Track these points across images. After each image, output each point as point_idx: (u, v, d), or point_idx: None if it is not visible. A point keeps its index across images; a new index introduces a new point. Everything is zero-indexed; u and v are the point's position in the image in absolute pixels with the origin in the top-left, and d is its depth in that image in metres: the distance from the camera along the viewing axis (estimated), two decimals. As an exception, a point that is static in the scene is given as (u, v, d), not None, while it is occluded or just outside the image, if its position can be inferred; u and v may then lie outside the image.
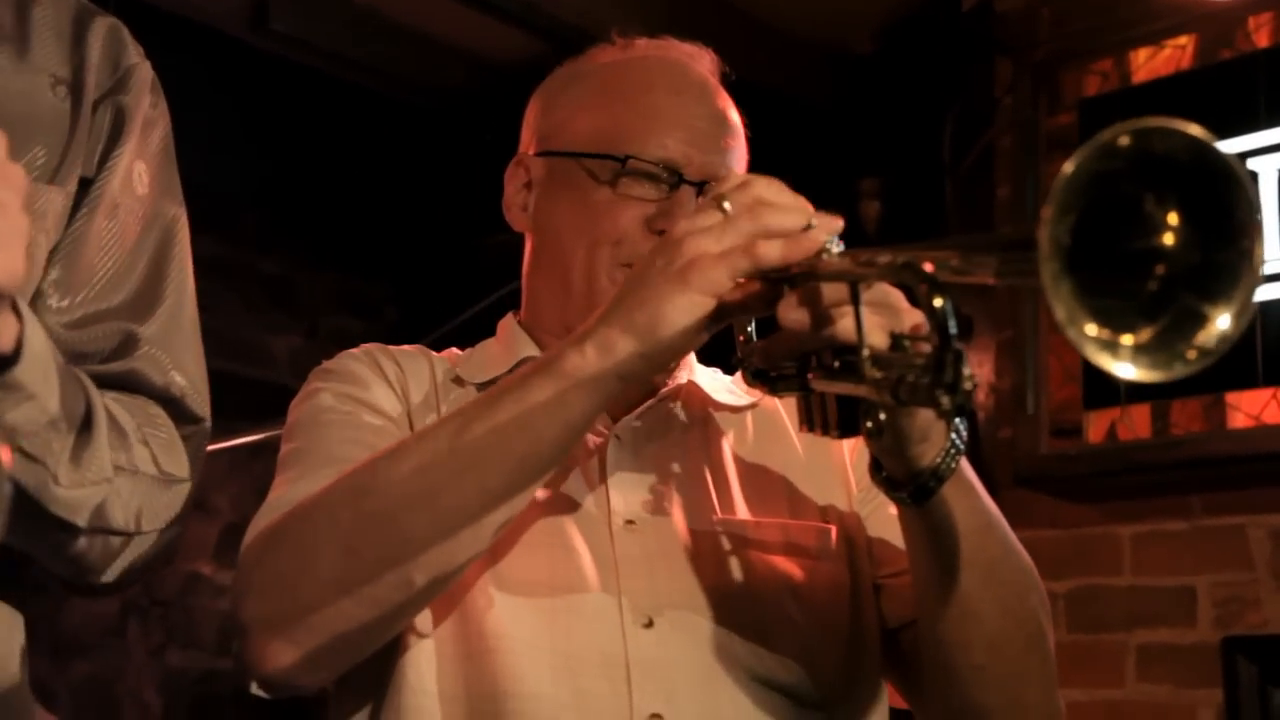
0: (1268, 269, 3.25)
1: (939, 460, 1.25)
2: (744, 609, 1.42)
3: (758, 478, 1.53)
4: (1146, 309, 0.98)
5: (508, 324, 1.62)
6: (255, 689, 1.36)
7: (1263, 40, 3.38)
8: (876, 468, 1.31)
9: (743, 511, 1.49)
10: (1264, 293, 3.23)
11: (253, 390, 4.34)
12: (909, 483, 1.27)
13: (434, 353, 1.59)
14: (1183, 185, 0.97)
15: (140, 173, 1.40)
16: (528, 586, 1.39)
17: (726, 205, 1.22)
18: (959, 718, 1.43)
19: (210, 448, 2.56)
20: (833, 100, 4.06)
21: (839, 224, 1.21)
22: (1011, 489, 3.61)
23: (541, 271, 1.59)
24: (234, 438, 2.74)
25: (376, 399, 1.49)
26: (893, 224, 3.88)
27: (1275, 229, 3.25)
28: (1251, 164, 3.29)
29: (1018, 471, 3.57)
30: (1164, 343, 0.97)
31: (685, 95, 1.54)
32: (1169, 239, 0.98)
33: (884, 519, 1.46)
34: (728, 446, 1.55)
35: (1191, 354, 0.98)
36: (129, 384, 1.35)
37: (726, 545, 1.45)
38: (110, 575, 1.33)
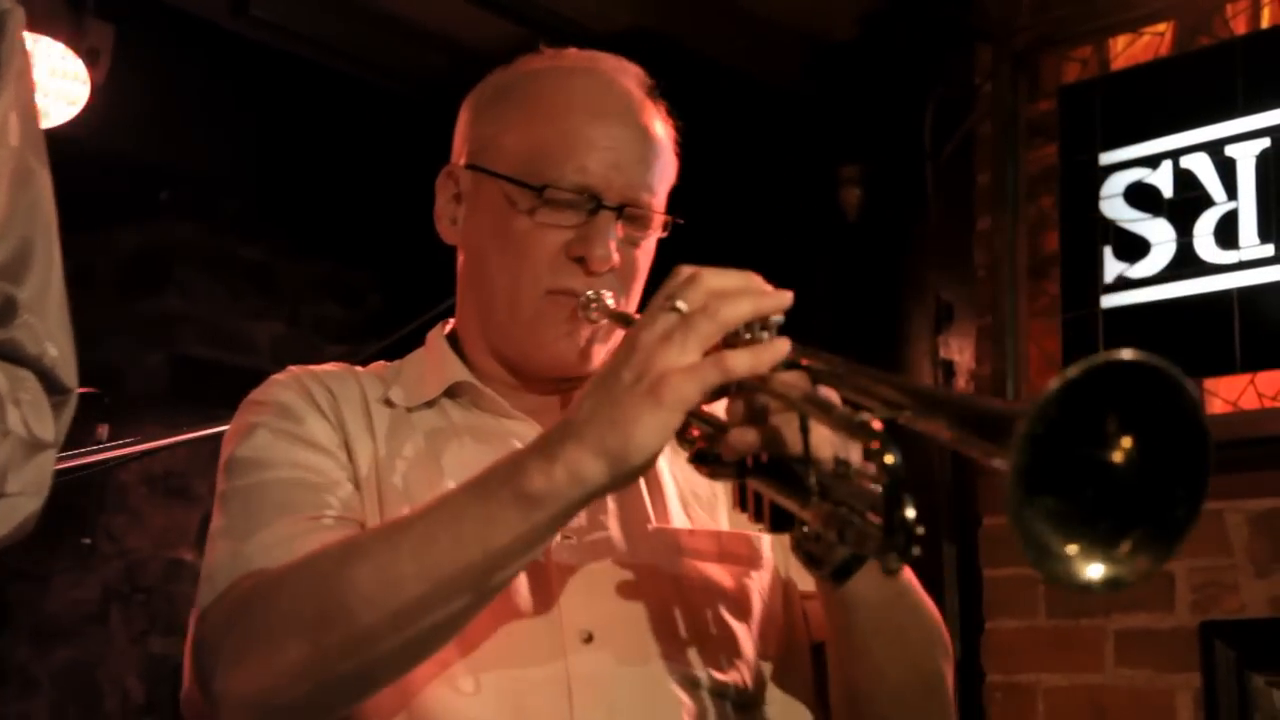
0: (1245, 255, 3.27)
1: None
2: (680, 619, 1.45)
3: (692, 488, 1.56)
4: (1083, 517, 1.00)
5: (435, 339, 1.63)
6: None
7: (1240, 27, 3.40)
8: (797, 546, 1.31)
9: (678, 520, 1.52)
10: (1240, 279, 3.26)
11: (235, 377, 4.32)
12: (829, 564, 1.26)
13: (360, 369, 1.59)
14: (1145, 412, 0.99)
15: (13, 122, 1.34)
16: None
17: (680, 305, 1.22)
18: None
19: (192, 435, 2.56)
20: (814, 87, 4.06)
21: (788, 298, 1.23)
22: (990, 475, 3.61)
23: (470, 289, 1.59)
24: (216, 425, 2.74)
25: (313, 433, 1.49)
26: (873, 211, 3.89)
27: (1253, 214, 3.27)
28: (1229, 150, 3.32)
29: (997, 458, 3.58)
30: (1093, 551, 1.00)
31: (606, 116, 1.54)
32: (1118, 457, 1.01)
33: None
34: (662, 460, 1.53)
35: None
36: (5, 353, 1.33)
37: (662, 555, 1.48)
38: None
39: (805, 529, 1.18)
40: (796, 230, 3.86)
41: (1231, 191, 3.30)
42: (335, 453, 1.49)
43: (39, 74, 3.45)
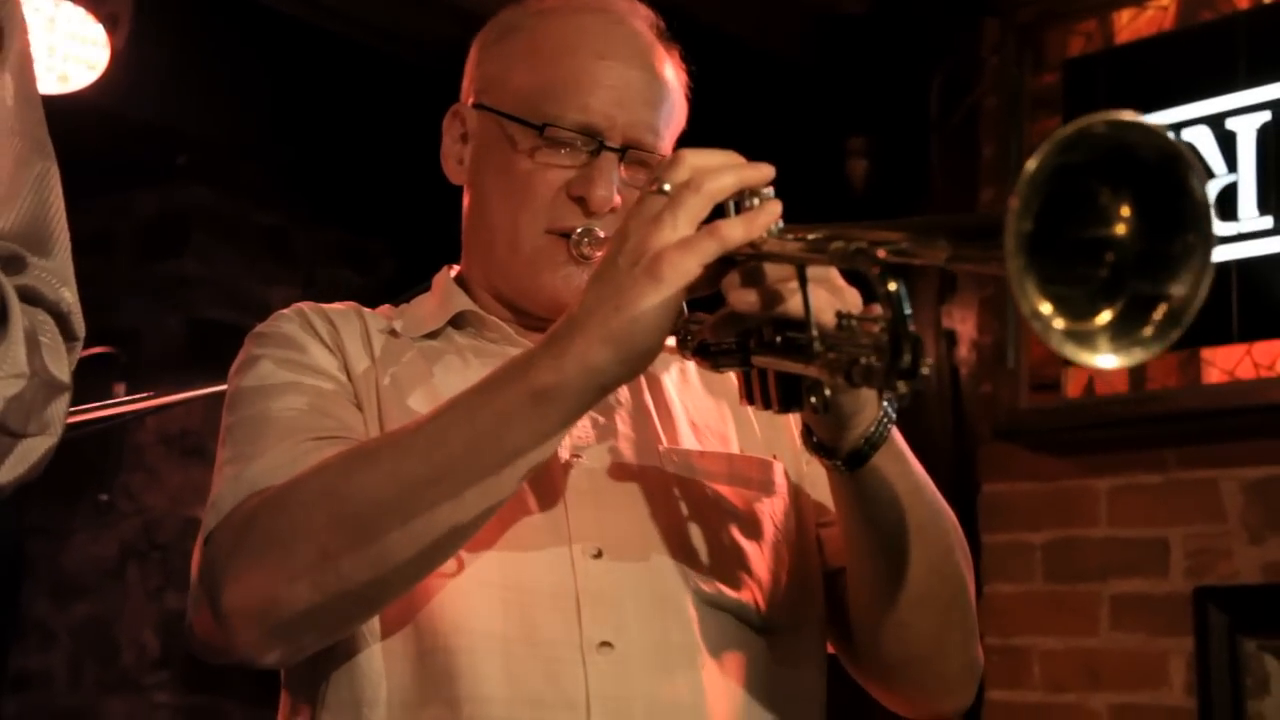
0: (1242, 228, 3.30)
1: (873, 429, 1.29)
2: (691, 537, 1.44)
3: (702, 411, 1.55)
4: (1101, 294, 1.01)
5: (441, 279, 1.63)
6: (206, 658, 1.39)
7: (1243, 2, 3.42)
8: (808, 434, 1.34)
9: (689, 442, 1.50)
10: (1239, 251, 3.29)
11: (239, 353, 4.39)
12: (843, 451, 1.30)
13: (366, 309, 1.59)
14: (1137, 177, 0.99)
15: (8, 82, 1.33)
16: None
17: (665, 186, 1.21)
18: (885, 665, 1.48)
19: (208, 390, 2.62)
20: (822, 59, 4.09)
21: (770, 172, 1.23)
22: (991, 442, 3.68)
23: (475, 229, 1.59)
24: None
25: (315, 360, 1.48)
26: (880, 182, 3.93)
27: (1253, 187, 3.30)
28: (1230, 124, 3.34)
29: (997, 425, 3.63)
30: (1124, 327, 1.01)
31: (612, 57, 1.53)
32: (1120, 229, 1.01)
33: (822, 471, 1.46)
34: (670, 382, 1.56)
35: (1149, 331, 1.01)
36: (25, 296, 1.32)
37: (673, 475, 1.47)
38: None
39: (815, 401, 1.17)
40: (803, 201, 3.88)
41: (1232, 164, 3.33)
42: (337, 376, 1.48)
43: (59, 38, 3.51)
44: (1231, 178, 3.33)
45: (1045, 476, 3.63)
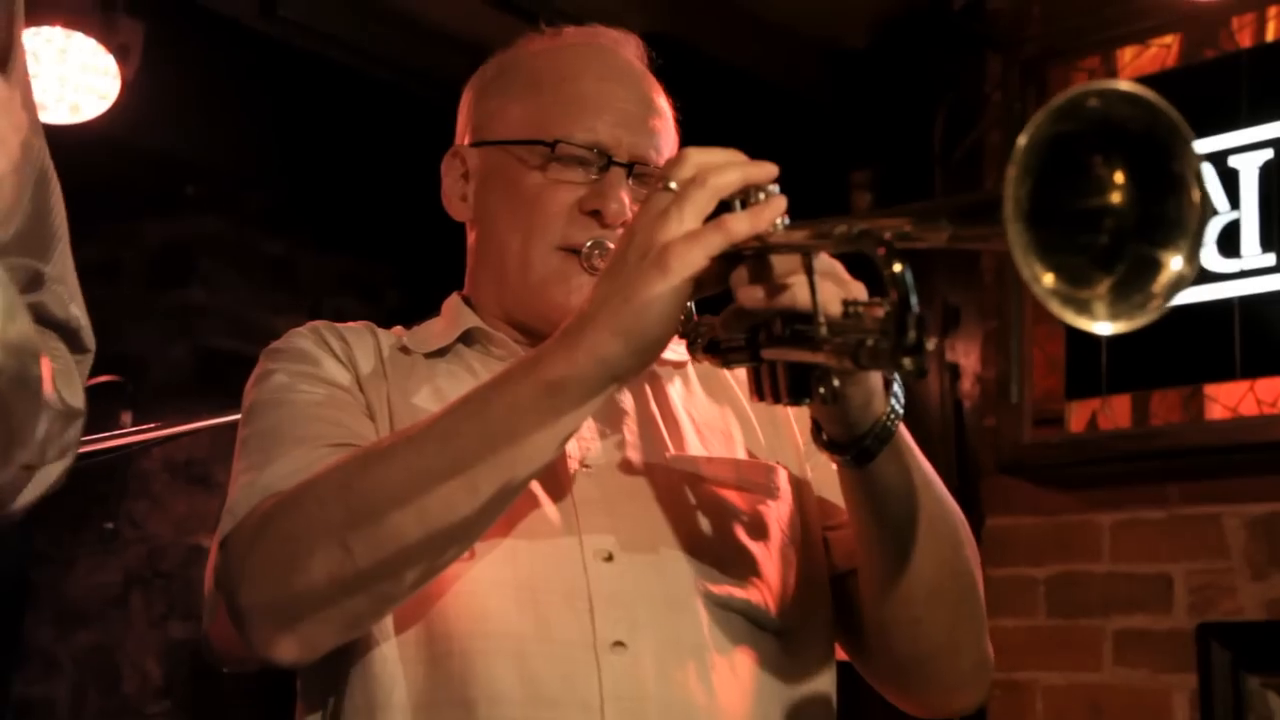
0: (1245, 265, 3.32)
1: (880, 423, 1.30)
2: (700, 539, 1.46)
3: (707, 419, 1.57)
4: (1101, 262, 1.02)
5: (452, 301, 1.65)
6: (223, 666, 1.42)
7: (1245, 40, 3.45)
8: (817, 430, 1.35)
9: (695, 448, 1.52)
10: (1241, 288, 3.31)
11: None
12: (852, 445, 1.31)
13: (379, 328, 1.61)
14: (1128, 145, 1.02)
15: (16, 99, 1.30)
16: (488, 533, 1.38)
17: (671, 183, 1.24)
18: (898, 664, 1.49)
19: (213, 421, 2.64)
20: (827, 93, 4.12)
21: (774, 170, 1.25)
22: (994, 476, 3.69)
23: (483, 260, 1.61)
24: (236, 413, 2.81)
25: (329, 373, 1.51)
26: (884, 215, 3.94)
27: (1255, 225, 3.32)
28: (1233, 161, 3.36)
29: (1000, 459, 3.64)
30: (1123, 293, 1.02)
31: (611, 81, 1.58)
32: (1116, 197, 1.03)
33: (827, 474, 1.49)
34: (674, 392, 1.58)
35: (1155, 302, 1.02)
36: (36, 316, 1.31)
37: (681, 480, 1.49)
38: (13, 508, 1.30)
39: (824, 391, 1.18)
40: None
41: (1234, 202, 3.35)
42: (349, 388, 1.50)
43: (70, 69, 3.54)
44: (1234, 215, 3.34)
45: (1048, 511, 3.64)
